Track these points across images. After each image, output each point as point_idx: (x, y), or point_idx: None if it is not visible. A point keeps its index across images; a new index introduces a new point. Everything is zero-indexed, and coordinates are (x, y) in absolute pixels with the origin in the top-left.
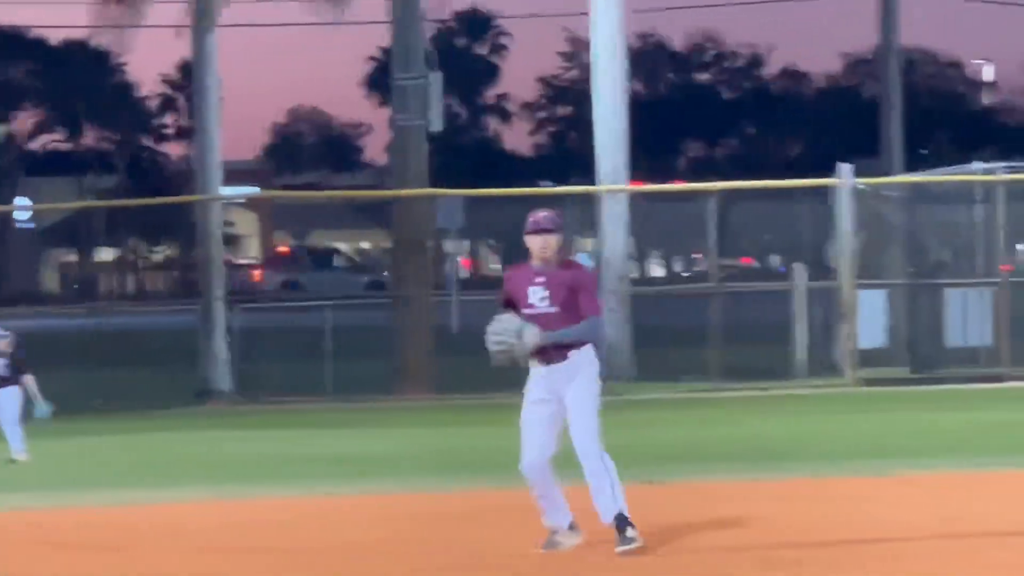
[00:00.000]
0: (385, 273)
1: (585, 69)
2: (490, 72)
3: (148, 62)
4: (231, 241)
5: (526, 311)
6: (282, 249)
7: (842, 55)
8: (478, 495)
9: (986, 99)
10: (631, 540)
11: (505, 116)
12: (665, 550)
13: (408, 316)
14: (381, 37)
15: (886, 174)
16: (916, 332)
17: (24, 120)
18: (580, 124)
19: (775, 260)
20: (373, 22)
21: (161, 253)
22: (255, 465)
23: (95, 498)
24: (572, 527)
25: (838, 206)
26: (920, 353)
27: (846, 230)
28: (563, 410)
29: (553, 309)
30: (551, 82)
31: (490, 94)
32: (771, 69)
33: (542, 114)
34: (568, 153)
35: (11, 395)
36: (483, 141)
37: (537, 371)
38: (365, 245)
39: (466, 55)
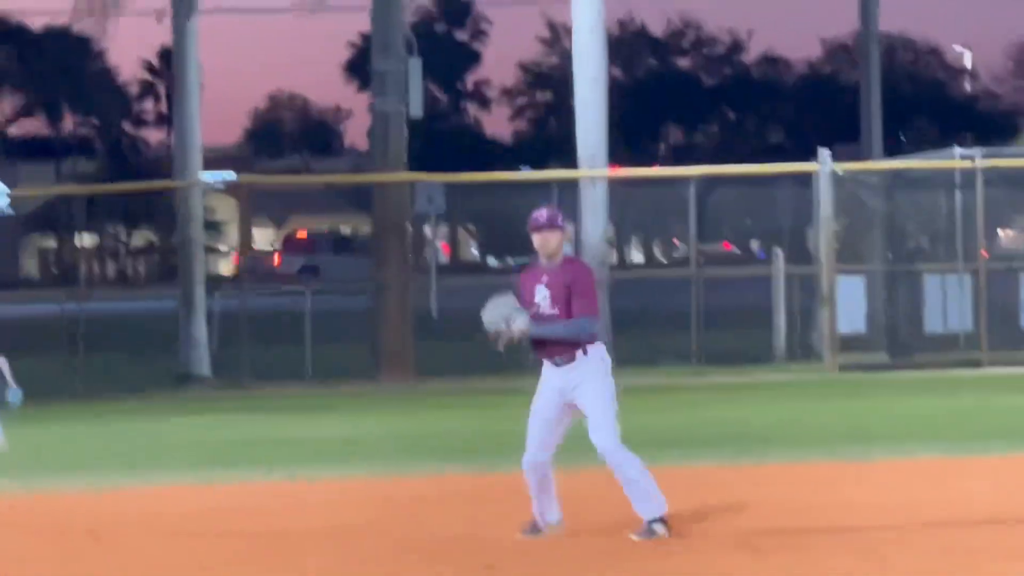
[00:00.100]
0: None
1: (565, 55)
2: (470, 58)
3: (129, 48)
4: (212, 227)
5: (531, 311)
6: (300, 234)
7: (822, 41)
8: (457, 479)
9: (965, 86)
10: (653, 533)
11: (485, 102)
12: None
13: (388, 301)
14: (361, 23)
15: (866, 160)
16: (895, 318)
17: (4, 105)
18: (560, 110)
19: (755, 245)
20: (353, 8)
21: (141, 238)
22: (235, 450)
23: (74, 483)
24: (557, 526)
25: (817, 192)
26: (899, 339)
27: (826, 215)
28: (569, 411)
29: (555, 311)
30: (531, 68)
31: (470, 80)
32: (751, 55)
33: (522, 100)
34: (548, 139)
35: None
36: (463, 127)
37: (548, 367)
38: (346, 230)
39: (446, 41)
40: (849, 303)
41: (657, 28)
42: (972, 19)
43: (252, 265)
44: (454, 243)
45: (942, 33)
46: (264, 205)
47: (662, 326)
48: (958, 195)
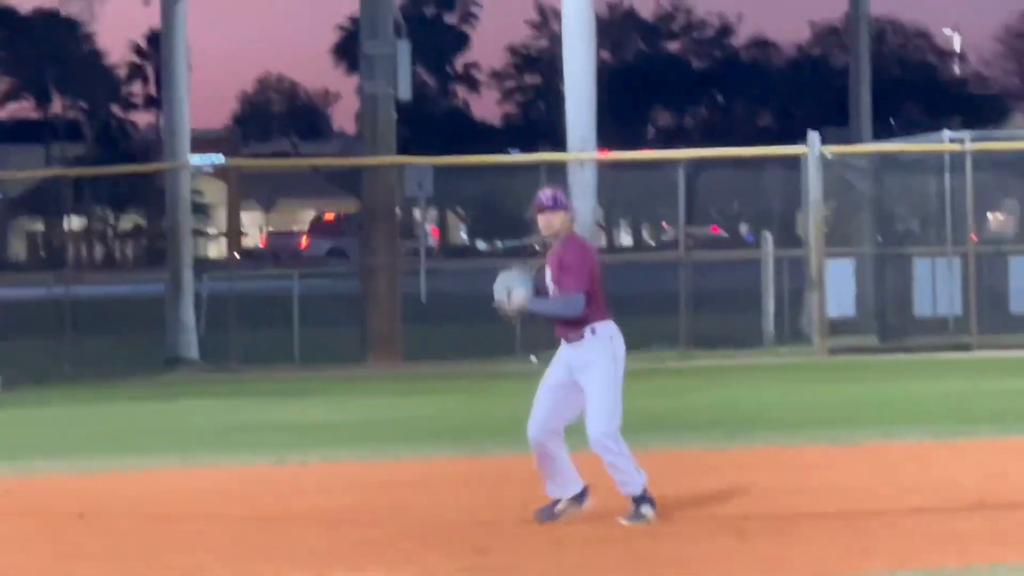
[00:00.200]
0: (431, 241)
1: (554, 38)
2: (459, 41)
3: (117, 31)
4: (201, 210)
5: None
6: (328, 216)
7: (811, 24)
8: (446, 463)
9: (955, 69)
10: (642, 517)
11: (474, 85)
12: None
13: (377, 284)
14: (350, 5)
15: (855, 143)
16: (884, 301)
17: None
18: (549, 93)
19: (744, 229)
20: None
21: (130, 222)
22: (223, 433)
23: (61, 466)
24: (580, 497)
25: (806, 175)
26: (888, 322)
27: (814, 199)
28: (578, 391)
29: (555, 288)
30: (520, 51)
31: (459, 63)
32: (740, 38)
33: (511, 83)
34: (537, 122)
35: None
36: (452, 110)
37: (563, 343)
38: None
39: (435, 24)
40: (838, 287)
41: (646, 11)
42: (961, 2)
43: (278, 246)
44: (443, 226)
45: (931, 16)
46: (252, 188)
47: (650, 310)
48: (947, 178)
